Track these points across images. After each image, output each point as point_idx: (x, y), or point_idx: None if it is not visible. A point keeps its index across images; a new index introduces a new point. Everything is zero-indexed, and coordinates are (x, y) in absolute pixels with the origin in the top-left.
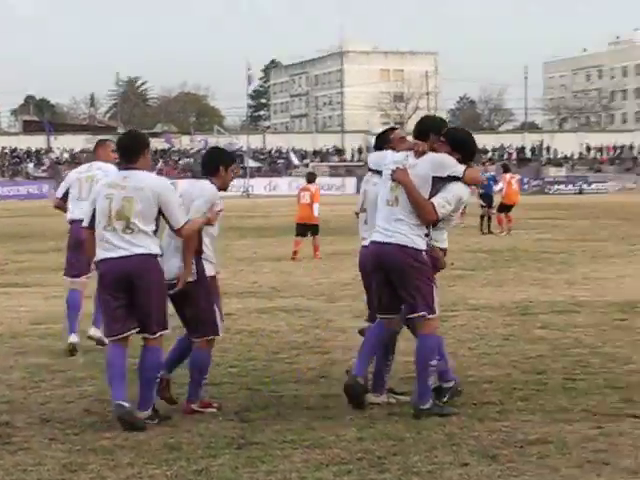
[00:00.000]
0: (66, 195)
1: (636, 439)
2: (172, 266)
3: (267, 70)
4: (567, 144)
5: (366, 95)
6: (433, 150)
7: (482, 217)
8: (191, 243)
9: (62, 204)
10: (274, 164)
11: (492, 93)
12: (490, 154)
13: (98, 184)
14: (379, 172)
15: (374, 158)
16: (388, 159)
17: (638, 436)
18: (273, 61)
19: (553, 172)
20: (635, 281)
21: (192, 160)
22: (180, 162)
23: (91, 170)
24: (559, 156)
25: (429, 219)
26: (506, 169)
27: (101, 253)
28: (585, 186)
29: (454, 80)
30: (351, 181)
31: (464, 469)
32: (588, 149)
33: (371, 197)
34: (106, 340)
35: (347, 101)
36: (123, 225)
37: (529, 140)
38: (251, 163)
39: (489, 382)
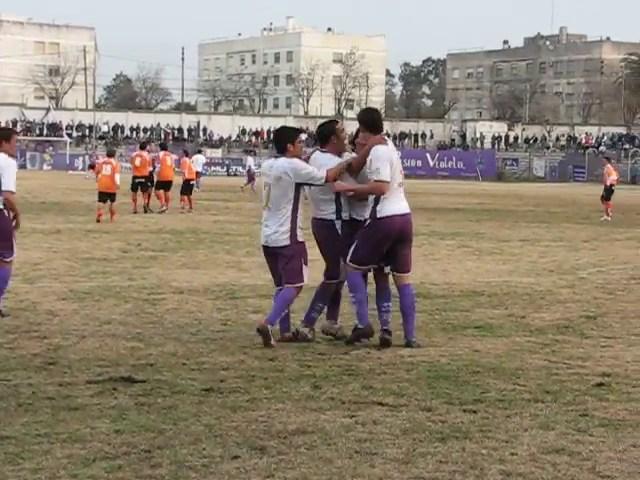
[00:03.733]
0: None
1: (391, 427)
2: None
3: None
4: (223, 126)
5: (20, 67)
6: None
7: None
8: None
9: None
10: None
11: (149, 72)
12: (148, 134)
13: None
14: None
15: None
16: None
17: (392, 424)
18: None
19: (209, 154)
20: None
21: None
22: None
23: None
24: (215, 138)
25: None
26: (163, 148)
27: None
28: (240, 169)
29: (111, 57)
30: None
31: (237, 462)
32: (243, 132)
33: None
34: None
35: (0, 72)
36: None
37: (186, 120)
38: None
39: (225, 369)
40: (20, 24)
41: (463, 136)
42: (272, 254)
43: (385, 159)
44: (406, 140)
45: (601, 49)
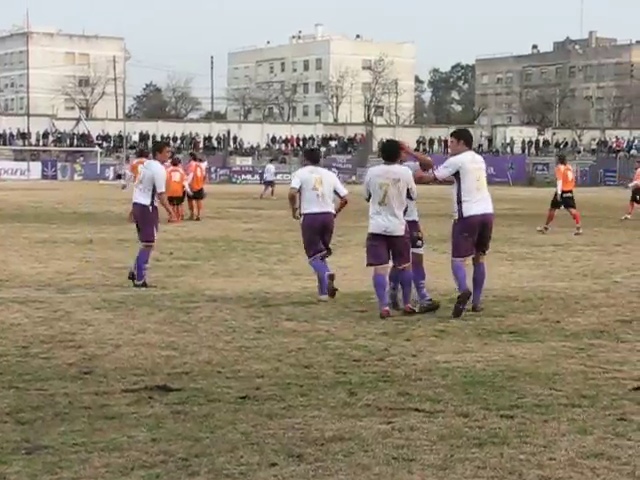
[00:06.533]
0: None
1: (428, 433)
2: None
3: None
4: (253, 134)
5: (51, 78)
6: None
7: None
8: None
9: None
10: None
11: (179, 81)
12: (178, 142)
13: None
14: None
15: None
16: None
17: (429, 430)
18: None
19: (239, 162)
20: (356, 272)
21: None
22: None
23: None
24: (245, 146)
25: None
26: (194, 158)
27: None
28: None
29: (141, 67)
30: (37, 166)
31: (275, 470)
32: (273, 140)
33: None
34: None
35: (31, 84)
36: None
37: (216, 129)
38: None
39: (260, 377)
40: (50, 35)
41: (490, 140)
42: (387, 240)
43: (449, 164)
44: (435, 146)
45: (631, 52)
